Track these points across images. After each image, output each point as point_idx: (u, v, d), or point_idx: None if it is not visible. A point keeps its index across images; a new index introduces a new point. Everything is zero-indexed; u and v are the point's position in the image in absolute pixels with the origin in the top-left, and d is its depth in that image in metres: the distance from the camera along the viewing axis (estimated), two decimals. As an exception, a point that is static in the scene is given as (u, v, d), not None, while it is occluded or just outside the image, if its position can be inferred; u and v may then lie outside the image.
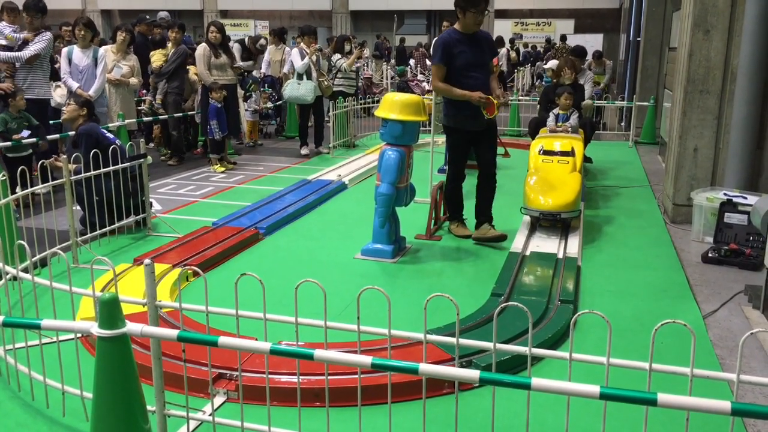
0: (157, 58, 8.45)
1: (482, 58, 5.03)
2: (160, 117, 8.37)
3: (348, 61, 9.98)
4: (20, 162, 5.84)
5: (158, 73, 8.32)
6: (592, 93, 8.93)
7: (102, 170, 4.88)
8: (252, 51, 10.43)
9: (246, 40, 10.66)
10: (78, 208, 5.10)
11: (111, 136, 5.52)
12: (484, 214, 5.25)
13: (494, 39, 18.91)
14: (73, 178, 4.66)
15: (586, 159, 7.54)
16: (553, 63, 9.21)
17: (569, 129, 6.50)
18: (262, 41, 10.66)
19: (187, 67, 8.64)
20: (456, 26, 5.05)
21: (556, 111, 6.79)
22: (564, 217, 5.18)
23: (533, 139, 6.70)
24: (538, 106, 7.90)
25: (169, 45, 8.49)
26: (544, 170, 5.63)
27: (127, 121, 7.68)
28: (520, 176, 6.31)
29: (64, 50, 7.04)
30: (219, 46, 8.20)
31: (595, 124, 7.60)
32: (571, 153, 5.78)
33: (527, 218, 5.59)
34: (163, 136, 9.10)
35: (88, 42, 6.97)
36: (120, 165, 5.05)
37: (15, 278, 2.98)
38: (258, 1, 26.05)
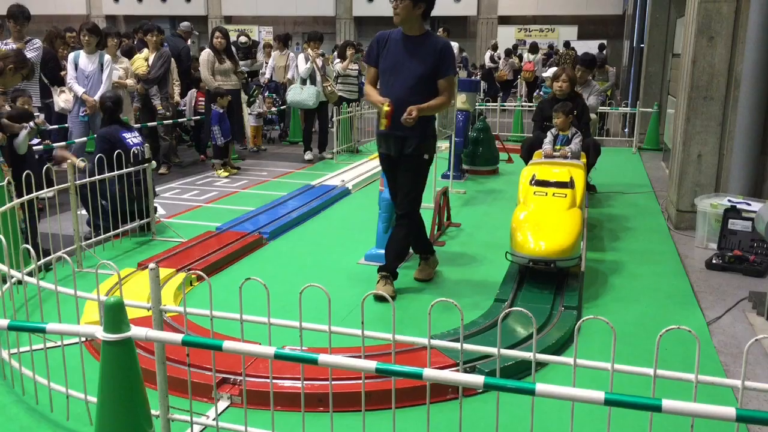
0: (139, 64, 8.15)
1: (412, 66, 4.00)
2: (166, 121, 8.29)
3: (342, 65, 10.01)
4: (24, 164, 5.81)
5: (146, 79, 8.09)
6: (597, 106, 7.68)
7: (106, 174, 4.89)
8: (239, 49, 10.44)
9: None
10: (83, 211, 5.11)
11: (131, 141, 5.41)
12: (388, 263, 4.32)
13: (532, 45, 18.21)
14: (77, 182, 4.66)
15: (589, 187, 6.42)
16: (552, 71, 8.16)
17: (568, 154, 5.40)
18: (242, 38, 10.65)
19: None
20: None
21: (554, 131, 5.69)
22: (560, 266, 4.18)
23: (526, 163, 5.73)
24: (533, 123, 6.65)
25: (146, 51, 8.25)
26: (536, 205, 4.61)
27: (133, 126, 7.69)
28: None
29: (71, 55, 7.05)
30: (223, 51, 8.22)
31: (599, 146, 6.41)
32: (569, 184, 4.73)
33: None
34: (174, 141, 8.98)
35: (94, 47, 6.98)
36: (124, 170, 5.07)
37: (20, 282, 2.98)
38: (262, 6, 26.13)
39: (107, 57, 7.08)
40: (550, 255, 4.13)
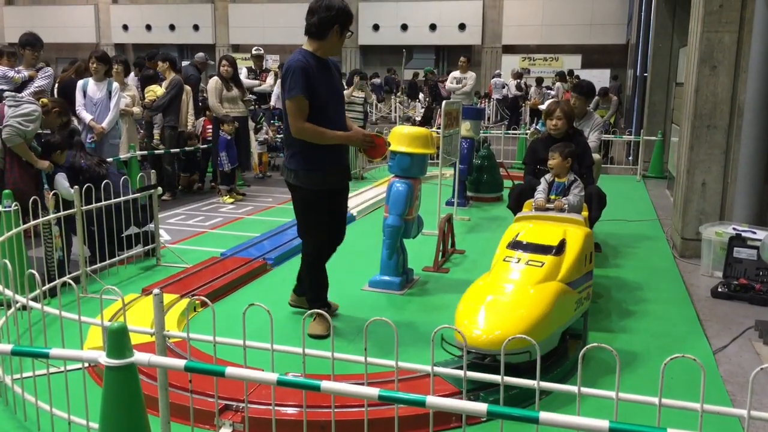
0: (151, 95, 8.31)
1: (339, 89, 4.04)
2: (159, 152, 8.26)
3: (347, 92, 10.13)
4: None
5: (152, 107, 8.21)
6: (599, 144, 6.33)
7: (113, 200, 4.91)
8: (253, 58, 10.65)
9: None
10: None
11: (87, 163, 5.36)
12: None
13: (560, 74, 18.24)
14: (63, 212, 4.59)
15: (595, 247, 4.69)
16: (548, 104, 6.94)
17: (565, 207, 4.33)
18: (255, 51, 10.85)
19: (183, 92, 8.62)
20: (309, 48, 3.87)
21: (549, 177, 4.61)
22: (511, 361, 2.99)
23: (515, 214, 4.70)
24: (524, 167, 5.57)
25: (165, 83, 8.40)
26: (498, 275, 3.60)
27: (138, 152, 7.76)
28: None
29: (80, 83, 7.11)
30: (230, 79, 8.31)
31: (604, 196, 5.23)
32: (556, 249, 3.65)
33: None
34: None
35: (102, 75, 7.05)
36: (130, 195, 5.10)
37: (24, 307, 2.99)
38: (269, 35, 26.49)
39: (115, 84, 7.16)
40: (492, 345, 3.08)
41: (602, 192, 5.24)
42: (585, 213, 4.59)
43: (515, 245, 3.76)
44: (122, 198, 5.04)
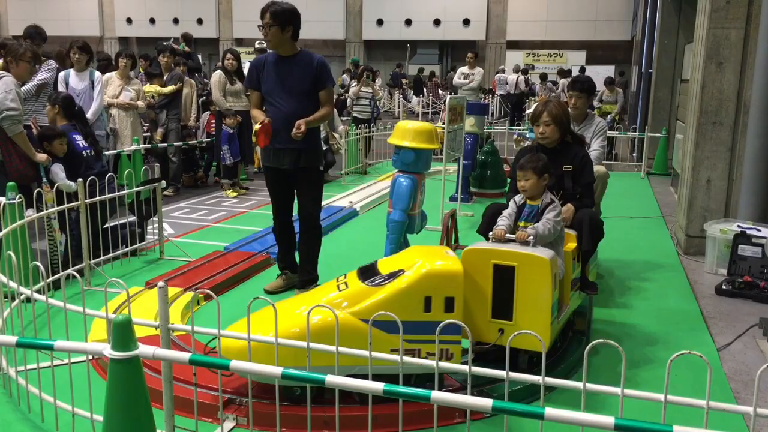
0: (154, 91, 8.29)
1: (293, 84, 4.30)
2: (163, 145, 8.23)
3: (354, 89, 10.18)
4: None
5: (153, 105, 8.16)
6: (603, 152, 5.18)
7: (117, 193, 4.91)
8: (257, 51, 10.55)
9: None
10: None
11: (80, 144, 5.25)
12: (307, 273, 4.62)
13: (560, 71, 18.11)
14: (57, 208, 4.55)
15: (589, 286, 3.95)
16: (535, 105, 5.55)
17: (530, 238, 3.25)
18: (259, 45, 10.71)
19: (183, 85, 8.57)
20: None
21: (520, 199, 3.62)
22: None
23: (486, 238, 3.53)
24: (508, 182, 4.60)
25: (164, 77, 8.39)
26: (312, 292, 3.34)
27: (142, 146, 7.75)
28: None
29: (61, 74, 6.92)
30: (234, 73, 8.30)
31: (601, 224, 3.97)
32: (377, 279, 3.01)
33: None
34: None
35: (84, 65, 6.90)
36: (134, 189, 5.10)
37: (28, 299, 2.99)
38: (273, 29, 26.46)
39: (97, 74, 7.00)
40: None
41: (598, 220, 3.99)
42: (572, 245, 3.70)
43: (365, 272, 3.16)
44: (119, 193, 5.04)
